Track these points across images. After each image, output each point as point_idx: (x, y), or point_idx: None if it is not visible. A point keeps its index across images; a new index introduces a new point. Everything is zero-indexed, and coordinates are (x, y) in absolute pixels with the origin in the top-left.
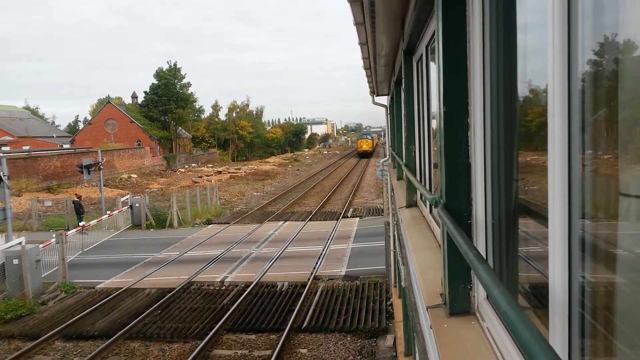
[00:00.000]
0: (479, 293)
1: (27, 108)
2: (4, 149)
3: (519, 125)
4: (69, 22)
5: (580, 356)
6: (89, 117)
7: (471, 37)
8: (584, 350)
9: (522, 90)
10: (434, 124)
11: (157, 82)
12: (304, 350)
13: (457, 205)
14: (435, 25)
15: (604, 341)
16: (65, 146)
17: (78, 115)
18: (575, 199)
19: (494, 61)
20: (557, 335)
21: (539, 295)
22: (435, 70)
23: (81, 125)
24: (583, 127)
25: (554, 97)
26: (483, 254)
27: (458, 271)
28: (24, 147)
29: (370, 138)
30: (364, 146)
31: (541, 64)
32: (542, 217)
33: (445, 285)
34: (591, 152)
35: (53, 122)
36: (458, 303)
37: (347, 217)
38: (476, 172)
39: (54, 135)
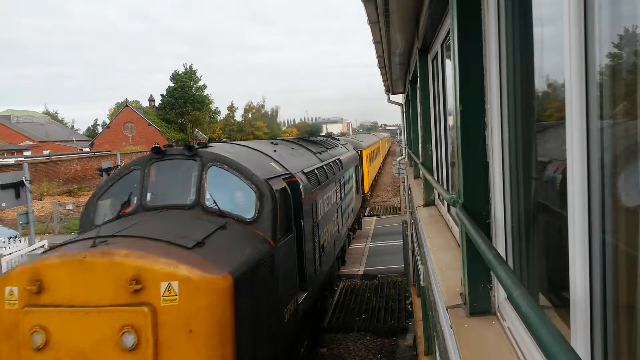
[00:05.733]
0: (500, 293)
1: (47, 113)
2: (26, 153)
3: (537, 122)
4: (87, 26)
5: (603, 357)
6: (108, 121)
7: (486, 34)
8: (606, 352)
9: (539, 87)
10: (451, 122)
11: (173, 85)
12: (324, 350)
13: (475, 205)
14: (450, 23)
15: (626, 342)
16: (84, 150)
17: (97, 119)
18: (594, 197)
19: (510, 58)
20: (579, 336)
21: (559, 295)
22: (450, 68)
23: (100, 129)
24: (602, 122)
25: (571, 92)
26: (503, 253)
27: (478, 271)
28: (45, 152)
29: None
30: None
31: (558, 60)
32: (561, 215)
33: (465, 285)
34: (611, 148)
35: (72, 126)
36: (478, 303)
37: (364, 215)
38: (494, 171)
39: (74, 139)
